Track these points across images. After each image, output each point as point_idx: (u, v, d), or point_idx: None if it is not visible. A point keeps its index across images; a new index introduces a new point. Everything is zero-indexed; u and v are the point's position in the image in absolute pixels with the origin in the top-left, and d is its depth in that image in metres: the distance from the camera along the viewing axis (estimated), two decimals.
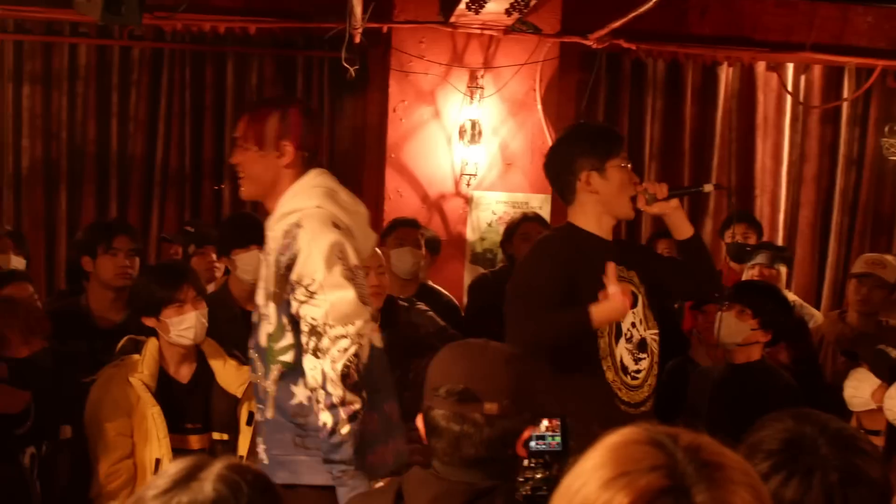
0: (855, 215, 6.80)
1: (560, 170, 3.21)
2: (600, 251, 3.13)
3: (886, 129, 6.37)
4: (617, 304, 2.95)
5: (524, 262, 3.29)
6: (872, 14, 6.61)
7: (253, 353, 3.00)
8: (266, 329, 2.90)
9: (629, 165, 3.21)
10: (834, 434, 1.63)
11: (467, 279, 5.98)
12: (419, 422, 2.04)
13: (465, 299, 5.60)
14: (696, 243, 3.31)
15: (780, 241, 6.48)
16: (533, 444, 2.31)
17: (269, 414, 2.89)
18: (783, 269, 5.10)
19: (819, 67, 6.76)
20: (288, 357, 2.84)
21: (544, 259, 3.16)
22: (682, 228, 3.26)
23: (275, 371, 2.86)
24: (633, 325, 3.19)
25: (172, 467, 1.42)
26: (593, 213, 3.17)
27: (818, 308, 6.07)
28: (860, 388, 3.22)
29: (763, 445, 1.64)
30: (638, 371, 3.18)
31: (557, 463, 2.40)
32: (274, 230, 2.90)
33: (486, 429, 1.94)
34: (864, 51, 6.60)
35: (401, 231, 4.83)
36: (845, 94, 6.74)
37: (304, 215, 2.82)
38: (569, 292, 3.04)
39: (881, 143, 6.37)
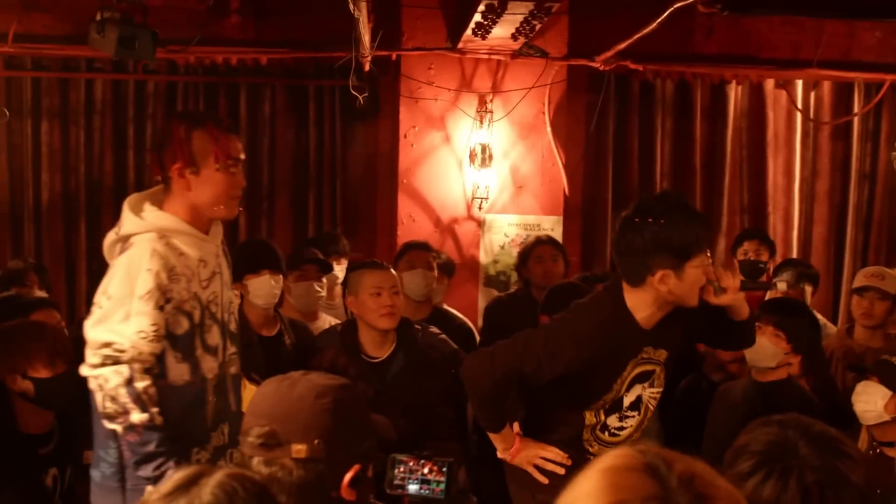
0: (869, 230, 6.84)
1: (633, 253, 2.87)
2: (636, 340, 2.97)
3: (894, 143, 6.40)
4: (501, 448, 2.98)
5: (568, 321, 2.99)
6: (880, 29, 6.68)
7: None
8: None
9: (709, 259, 2.93)
10: (815, 437, 1.65)
11: (482, 302, 6.01)
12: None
13: (479, 322, 5.63)
14: (749, 325, 3.14)
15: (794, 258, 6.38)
16: (414, 486, 2.20)
17: None
18: (808, 289, 5.05)
19: (828, 84, 6.84)
20: None
21: (576, 338, 2.91)
22: (741, 313, 3.06)
23: None
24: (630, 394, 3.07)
25: (178, 473, 1.47)
26: (653, 306, 2.94)
27: (835, 324, 5.97)
28: (871, 401, 3.22)
29: (748, 447, 1.67)
30: (620, 429, 3.07)
31: None
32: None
33: (296, 472, 1.79)
34: (872, 66, 6.67)
35: (412, 254, 4.86)
36: (855, 109, 6.83)
37: None
38: (579, 372, 2.91)
39: (891, 157, 6.42)
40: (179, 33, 5.93)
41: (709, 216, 6.59)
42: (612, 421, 3.04)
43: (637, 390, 3.04)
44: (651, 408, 3.10)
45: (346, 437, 1.82)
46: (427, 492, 2.20)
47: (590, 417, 3.00)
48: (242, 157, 2.93)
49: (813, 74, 6.66)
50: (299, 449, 1.77)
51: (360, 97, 5.58)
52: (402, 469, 2.20)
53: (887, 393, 3.18)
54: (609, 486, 1.13)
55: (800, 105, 6.80)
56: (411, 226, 6.10)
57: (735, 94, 6.75)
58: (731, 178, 6.75)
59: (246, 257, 4.23)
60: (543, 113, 6.18)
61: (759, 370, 3.69)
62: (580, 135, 6.43)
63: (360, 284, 3.77)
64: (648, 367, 3.03)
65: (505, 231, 6.18)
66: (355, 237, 6.24)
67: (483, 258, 6.19)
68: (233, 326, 3.03)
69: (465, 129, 6.14)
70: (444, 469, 2.21)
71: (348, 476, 1.81)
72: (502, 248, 6.18)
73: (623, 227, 2.89)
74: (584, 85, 6.47)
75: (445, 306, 5.21)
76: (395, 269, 4.36)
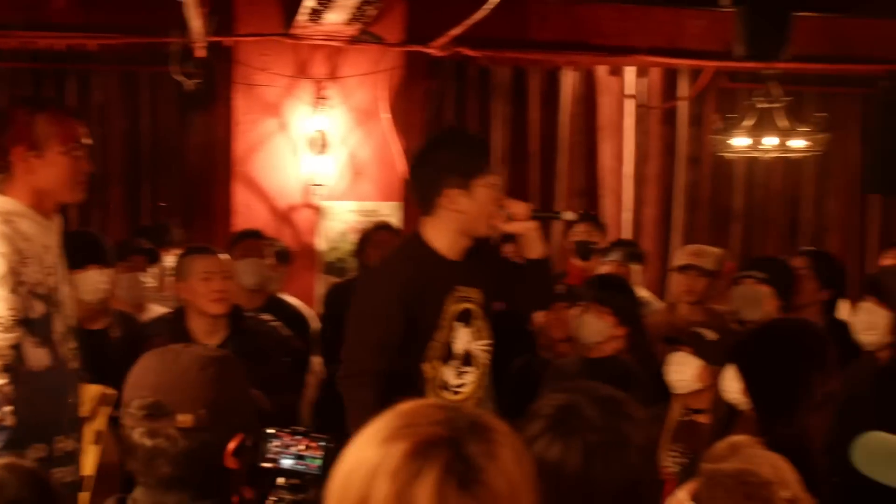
0: (695, 211, 7.06)
1: (423, 182, 3.09)
2: (443, 273, 3.09)
3: (717, 126, 6.62)
4: None
5: (365, 286, 3.23)
6: (705, 17, 6.89)
7: None
8: None
9: (498, 182, 3.13)
10: (601, 399, 1.71)
11: (319, 290, 6.00)
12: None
13: (319, 309, 5.58)
14: (544, 266, 3.28)
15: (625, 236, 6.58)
16: (289, 461, 2.15)
17: None
18: (636, 268, 5.16)
19: (657, 70, 6.98)
20: None
21: (382, 287, 3.08)
22: (534, 249, 3.21)
23: None
24: (460, 341, 3.16)
25: None
26: (449, 232, 3.07)
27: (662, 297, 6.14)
28: (683, 371, 3.32)
29: (538, 412, 1.73)
30: (460, 385, 3.15)
31: (315, 487, 2.16)
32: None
33: (181, 442, 1.79)
34: (696, 53, 6.89)
35: (245, 243, 4.79)
36: (680, 95, 7.02)
37: None
38: (406, 317, 3.01)
39: (714, 140, 6.65)
40: (2, 17, 5.74)
41: (545, 200, 6.69)
42: (450, 377, 3.10)
43: (464, 337, 3.12)
44: (484, 362, 3.17)
45: (230, 407, 1.84)
46: (303, 467, 2.15)
47: (429, 370, 3.07)
48: (88, 141, 2.90)
49: (641, 61, 6.83)
50: (185, 419, 1.78)
51: (193, 84, 5.50)
52: (276, 444, 2.16)
53: (699, 363, 3.28)
54: (399, 416, 1.24)
55: (631, 91, 6.94)
56: (247, 214, 6.05)
57: (569, 80, 6.86)
58: (565, 162, 6.86)
59: (71, 252, 4.05)
60: (381, 99, 6.19)
61: (587, 347, 3.81)
62: (418, 121, 6.44)
63: (190, 269, 3.73)
64: (466, 306, 3.12)
65: (343, 218, 6.19)
66: (192, 227, 6.16)
67: (321, 246, 6.19)
68: (72, 321, 2.98)
69: (302, 116, 6.12)
70: (322, 444, 2.17)
71: (232, 445, 1.83)
72: (341, 235, 6.19)
73: (415, 161, 3.12)
74: (422, 71, 6.50)
75: (283, 295, 5.16)
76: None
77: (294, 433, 2.20)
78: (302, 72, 6.08)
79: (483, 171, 3.04)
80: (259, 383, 3.51)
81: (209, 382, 1.82)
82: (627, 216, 6.96)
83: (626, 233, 6.83)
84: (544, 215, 3.74)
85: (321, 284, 6.08)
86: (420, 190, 3.11)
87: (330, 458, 2.17)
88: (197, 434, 1.79)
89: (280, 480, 2.14)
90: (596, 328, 3.77)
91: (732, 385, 2.74)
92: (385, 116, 6.21)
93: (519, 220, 3.12)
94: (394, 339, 3.00)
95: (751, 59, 6.14)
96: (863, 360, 3.52)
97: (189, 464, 1.79)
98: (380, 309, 3.02)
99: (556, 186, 6.90)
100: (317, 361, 4.84)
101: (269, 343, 3.88)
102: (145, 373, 1.85)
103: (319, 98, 6.08)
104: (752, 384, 2.70)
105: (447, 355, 3.11)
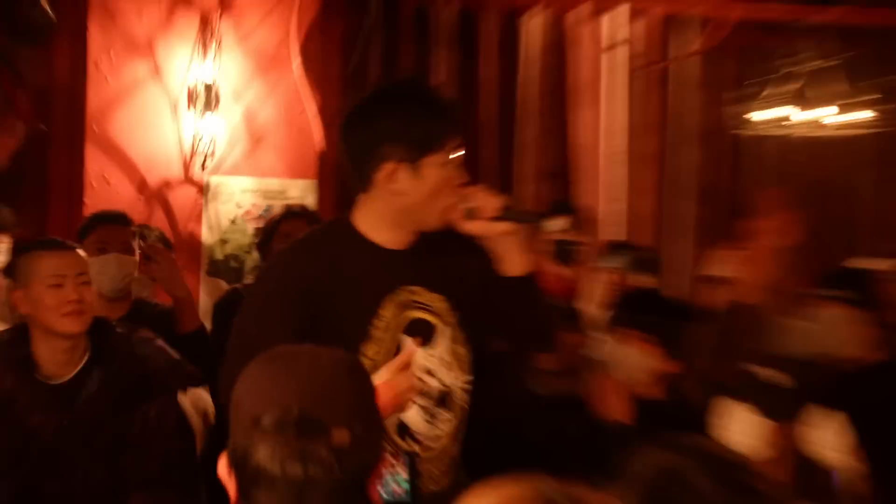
0: (709, 203, 7.11)
1: (355, 147, 2.96)
2: (376, 265, 2.98)
3: (739, 93, 6.66)
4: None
5: (257, 283, 3.18)
6: None
7: None
8: None
9: (459, 158, 2.96)
10: (715, 466, 1.77)
11: (204, 296, 5.96)
12: (223, 471, 1.84)
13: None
14: (527, 286, 3.08)
15: (609, 234, 6.52)
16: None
17: None
18: (647, 280, 5.13)
19: (656, 13, 6.98)
20: None
21: (269, 278, 3.06)
22: (509, 262, 3.03)
23: None
24: (430, 371, 3.03)
25: None
26: (386, 218, 2.98)
27: None
28: (746, 432, 3.22)
29: (635, 477, 1.78)
30: (436, 437, 3.03)
31: None
32: None
33: (336, 467, 1.75)
34: None
35: (103, 230, 4.51)
36: (689, 48, 7.05)
37: None
38: (303, 323, 2.87)
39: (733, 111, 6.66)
40: None
41: (502, 183, 6.66)
42: (416, 421, 3.01)
43: (423, 362, 3.00)
44: (464, 405, 3.09)
45: (378, 423, 1.90)
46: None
47: None
48: None
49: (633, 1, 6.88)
50: (341, 435, 1.77)
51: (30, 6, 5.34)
52: None
53: (769, 424, 3.19)
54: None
55: (613, 40, 6.90)
56: (105, 190, 5.98)
57: (535, 26, 6.81)
58: (529, 134, 6.83)
59: None
60: (290, 41, 6.19)
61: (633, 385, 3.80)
62: (337, 72, 6.43)
63: (33, 273, 3.57)
64: (420, 315, 2.99)
65: (237, 199, 6.16)
66: (20, 205, 5.69)
67: (206, 236, 6.15)
68: None
69: (183, 60, 6.07)
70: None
71: (378, 471, 1.87)
72: (233, 222, 6.15)
73: (350, 120, 2.98)
74: (342, 7, 6.50)
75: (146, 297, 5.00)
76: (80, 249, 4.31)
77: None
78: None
79: (438, 144, 2.89)
80: (138, 431, 3.57)
81: (360, 391, 1.88)
82: (615, 208, 6.95)
83: (610, 231, 6.73)
84: (519, 216, 3.29)
85: (206, 289, 6.05)
86: (355, 159, 2.97)
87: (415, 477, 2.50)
88: (353, 457, 1.78)
89: None
90: (638, 365, 3.73)
91: (834, 440, 2.89)
92: (296, 63, 6.19)
93: (482, 219, 2.95)
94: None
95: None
96: None
97: (342, 496, 1.79)
98: (261, 307, 2.96)
99: (515, 166, 6.85)
100: (201, 396, 4.57)
101: (152, 369, 3.71)
102: (275, 379, 1.84)
103: (207, 36, 6.02)
104: (870, 439, 2.84)
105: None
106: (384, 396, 2.69)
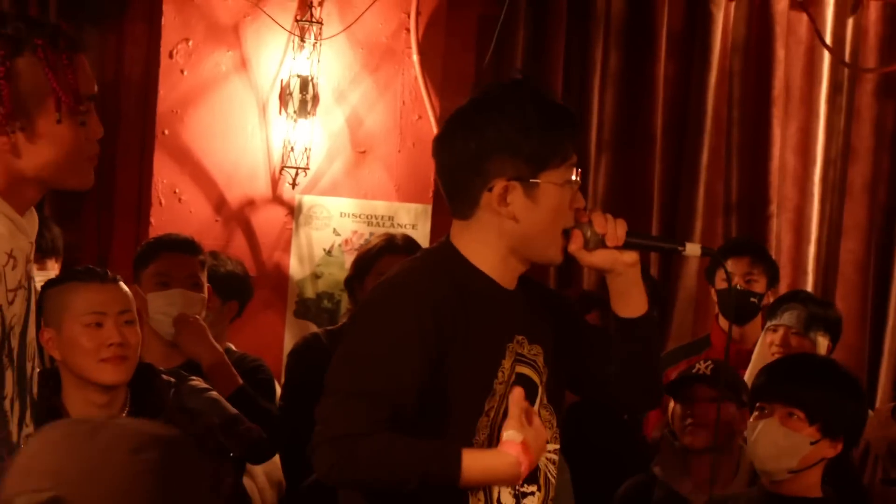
0: None
1: (456, 161, 2.99)
2: (498, 306, 3.01)
3: None
4: (509, 462, 2.83)
5: (365, 307, 3.17)
6: None
7: None
8: None
9: (578, 179, 3.01)
10: None
11: (289, 342, 5.87)
12: None
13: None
14: (646, 329, 3.15)
15: (809, 288, 6.51)
16: None
17: None
18: (822, 340, 5.09)
19: (876, 5, 6.84)
20: None
21: (397, 302, 2.98)
22: (631, 300, 3.09)
23: None
24: None
25: None
26: (497, 248, 3.01)
27: (871, 396, 6.24)
28: None
29: None
30: None
31: None
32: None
33: None
34: None
35: (167, 259, 4.60)
36: None
37: None
38: (433, 364, 2.90)
39: None
40: None
41: (664, 216, 6.71)
42: (507, 499, 3.04)
43: None
44: (552, 479, 3.16)
45: None
46: None
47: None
48: (96, 90, 2.85)
49: None
50: None
51: None
52: None
53: None
54: None
55: (828, 39, 6.77)
56: (175, 208, 6.03)
57: (724, 17, 6.73)
58: (712, 153, 6.75)
59: None
60: (408, 30, 6.21)
61: (772, 475, 3.76)
62: (468, 70, 6.39)
63: (66, 309, 3.71)
64: (528, 372, 3.06)
65: (335, 225, 6.19)
66: (76, 225, 6.07)
67: (295, 269, 6.17)
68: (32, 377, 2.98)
69: (276, 51, 6.10)
70: None
71: None
72: (328, 252, 6.21)
73: (451, 127, 3.01)
74: None
75: (229, 345, 5.01)
76: (137, 282, 4.48)
77: None
78: None
79: (559, 158, 2.95)
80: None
81: (141, 476, 1.84)
82: (813, 250, 6.81)
83: (811, 279, 6.74)
84: (651, 244, 3.54)
85: (292, 333, 6.04)
86: (457, 175, 3.01)
87: None
88: None
89: None
90: (784, 444, 3.71)
91: None
92: (415, 58, 6.19)
93: (608, 248, 3.00)
94: (404, 392, 2.89)
95: None
96: None
97: None
98: (387, 337, 2.92)
99: (693, 193, 6.77)
100: (277, 466, 4.92)
101: (204, 428, 3.87)
102: (44, 453, 1.88)
103: (306, 22, 6.04)
104: None
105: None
106: (528, 458, 2.85)
